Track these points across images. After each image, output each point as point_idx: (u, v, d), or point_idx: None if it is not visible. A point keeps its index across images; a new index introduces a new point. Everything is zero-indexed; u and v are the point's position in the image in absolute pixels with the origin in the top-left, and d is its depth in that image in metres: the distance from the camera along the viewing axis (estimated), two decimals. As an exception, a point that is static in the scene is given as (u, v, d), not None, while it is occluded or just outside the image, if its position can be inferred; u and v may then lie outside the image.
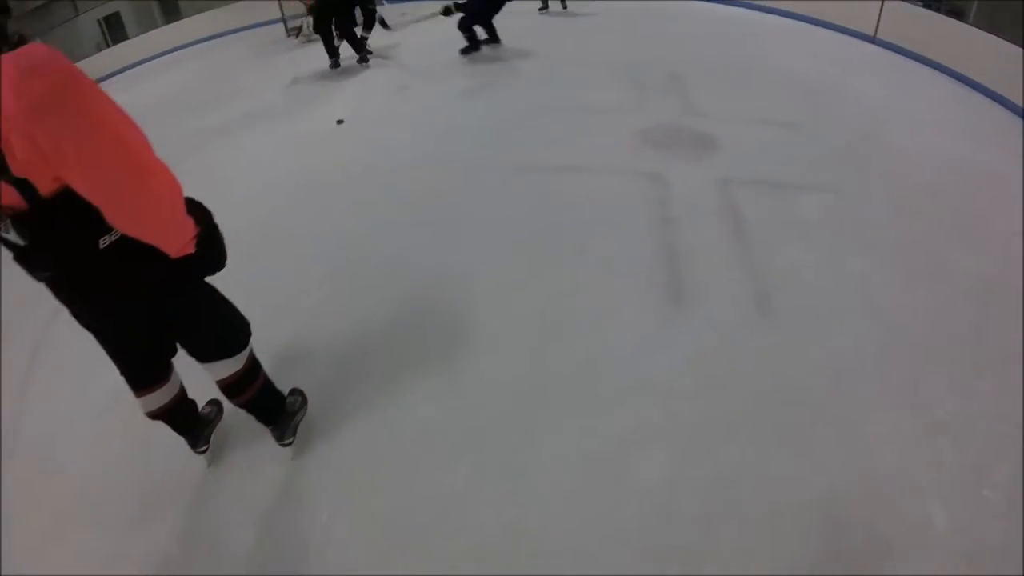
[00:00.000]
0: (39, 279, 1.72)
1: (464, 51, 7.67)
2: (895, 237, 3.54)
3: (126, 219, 1.56)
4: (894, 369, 2.72)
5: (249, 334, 2.15)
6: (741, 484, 2.29)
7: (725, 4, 8.87)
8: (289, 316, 3.37)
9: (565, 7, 8.90)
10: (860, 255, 3.42)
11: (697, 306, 3.16)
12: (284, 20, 11.38)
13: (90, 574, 2.31)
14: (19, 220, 1.48)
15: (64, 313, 1.92)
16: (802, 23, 7.98)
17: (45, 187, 1.44)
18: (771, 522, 2.15)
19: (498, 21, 7.52)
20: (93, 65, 11.69)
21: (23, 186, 1.42)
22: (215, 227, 1.88)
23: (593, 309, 3.21)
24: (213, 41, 12.34)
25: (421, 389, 2.86)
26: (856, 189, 3.99)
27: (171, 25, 13.72)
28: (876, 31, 7.15)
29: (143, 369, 2.11)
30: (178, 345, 2.13)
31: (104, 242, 1.60)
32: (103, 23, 15.64)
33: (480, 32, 7.64)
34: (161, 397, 2.18)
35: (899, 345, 2.84)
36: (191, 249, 1.74)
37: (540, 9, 9.04)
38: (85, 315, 1.87)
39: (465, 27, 7.49)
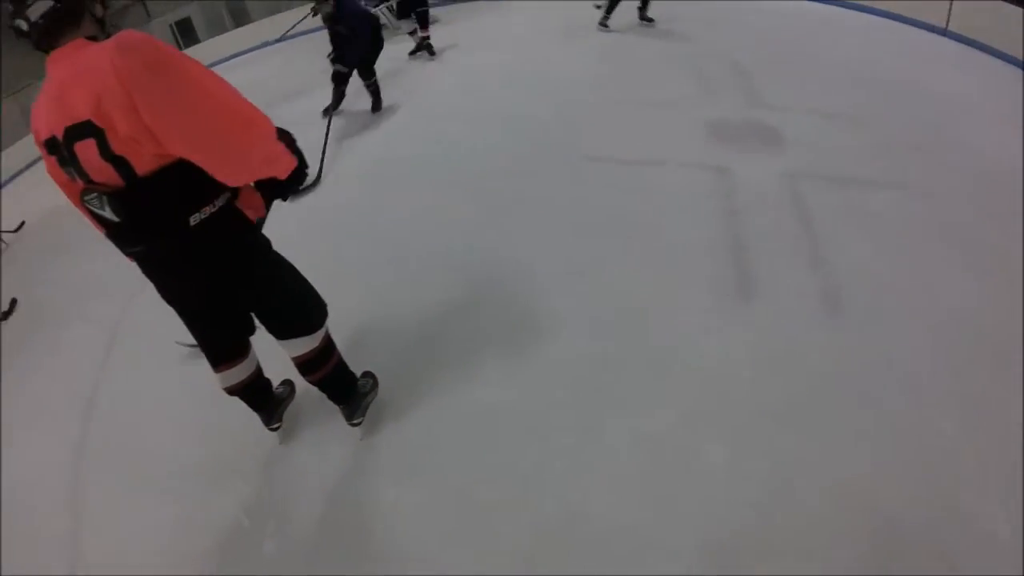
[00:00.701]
0: (129, 254, 1.82)
1: (326, 111, 6.30)
2: (966, 235, 3.39)
3: (236, 172, 1.67)
4: (962, 370, 2.61)
5: (326, 314, 2.23)
6: (799, 476, 2.25)
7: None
8: (356, 301, 3.44)
9: (649, 20, 7.88)
10: (929, 252, 3.30)
11: (761, 298, 3.12)
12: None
13: (162, 539, 2.43)
14: (115, 197, 1.58)
15: (147, 290, 2.03)
16: (869, 15, 7.75)
17: (142, 166, 1.55)
18: (828, 516, 2.11)
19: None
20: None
21: (120, 164, 1.52)
22: (290, 134, 1.93)
23: (656, 297, 3.19)
24: (283, 43, 12.61)
25: (487, 373, 2.90)
26: (926, 184, 3.84)
27: (241, 28, 14.28)
28: (947, 23, 6.93)
29: (223, 345, 2.21)
30: (256, 323, 2.23)
31: (194, 220, 1.69)
32: (175, 28, 16.23)
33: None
34: (239, 373, 2.28)
35: (968, 346, 2.72)
36: (295, 163, 1.84)
37: (600, 24, 7.94)
38: (170, 291, 1.97)
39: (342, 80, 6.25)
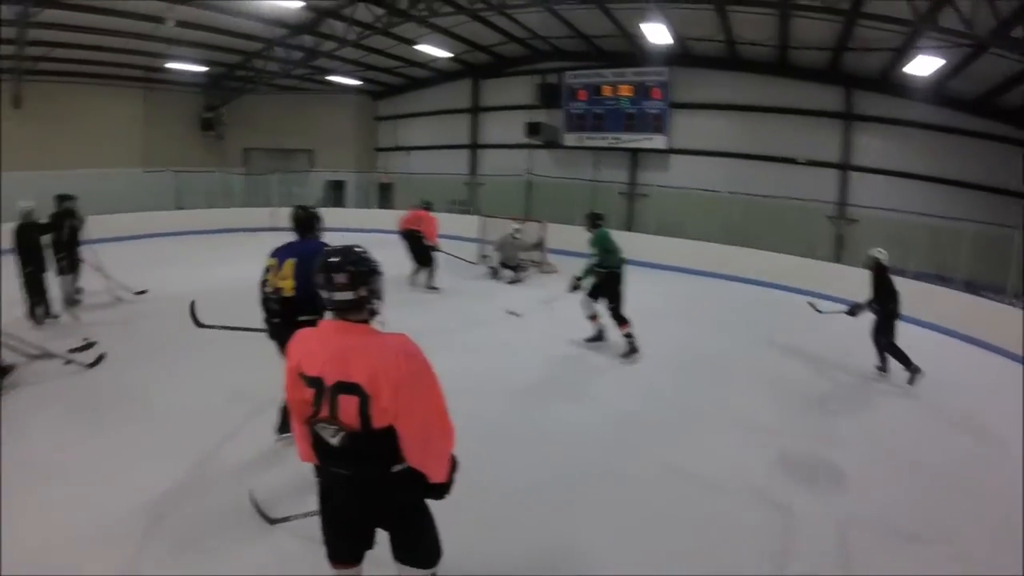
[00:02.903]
0: (329, 468, 2.25)
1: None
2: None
3: (424, 457, 2.15)
4: None
5: (440, 558, 2.49)
6: None
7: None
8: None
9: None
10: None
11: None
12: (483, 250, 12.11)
13: None
14: (350, 435, 2.08)
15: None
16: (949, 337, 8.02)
17: (377, 423, 2.08)
18: None
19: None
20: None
21: (366, 417, 2.06)
22: (455, 467, 2.33)
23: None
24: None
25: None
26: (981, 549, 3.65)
27: (382, 211, 16.24)
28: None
29: (349, 550, 2.47)
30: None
31: (395, 469, 2.15)
32: (329, 185, 18.57)
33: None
34: (351, 572, 2.51)
35: None
36: (445, 480, 2.24)
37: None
38: (335, 498, 2.31)
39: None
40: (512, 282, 10.41)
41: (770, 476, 4.34)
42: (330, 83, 16.82)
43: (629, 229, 13.67)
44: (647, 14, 9.46)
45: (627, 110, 13.62)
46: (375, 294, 2.18)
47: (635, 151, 14.03)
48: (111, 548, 3.19)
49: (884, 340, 6.23)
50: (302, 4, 10.61)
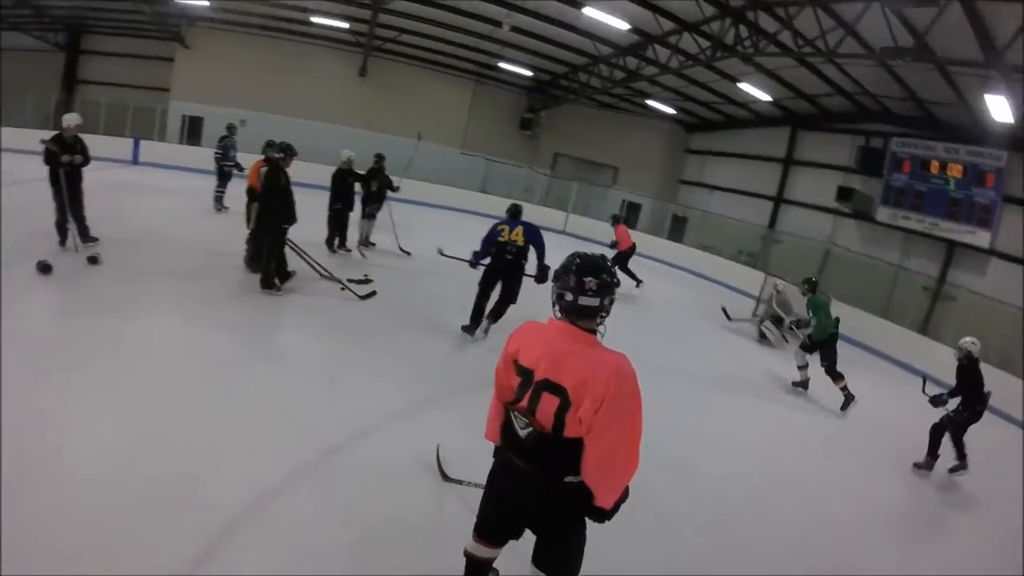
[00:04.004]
0: (506, 455, 2.30)
1: None
2: None
3: (599, 479, 2.12)
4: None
5: None
6: None
7: None
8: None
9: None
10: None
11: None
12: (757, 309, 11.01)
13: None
14: (539, 434, 2.13)
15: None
16: None
17: (569, 432, 2.09)
18: None
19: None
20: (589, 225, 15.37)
21: (560, 423, 2.09)
22: (625, 498, 2.28)
23: None
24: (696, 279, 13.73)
25: None
26: None
27: (671, 243, 16.31)
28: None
29: (496, 534, 2.48)
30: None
31: (568, 480, 2.15)
32: (625, 204, 19.08)
33: None
34: (486, 553, 2.53)
35: None
36: (610, 509, 2.21)
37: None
38: (502, 486, 2.35)
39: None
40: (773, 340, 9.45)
41: None
42: (647, 107, 17.35)
43: (923, 332, 11.01)
44: (992, 84, 8.14)
45: (952, 193, 11.43)
46: (612, 305, 2.23)
47: (952, 243, 11.71)
48: (292, 446, 3.65)
49: (956, 431, 5.63)
50: (628, 27, 11.14)
